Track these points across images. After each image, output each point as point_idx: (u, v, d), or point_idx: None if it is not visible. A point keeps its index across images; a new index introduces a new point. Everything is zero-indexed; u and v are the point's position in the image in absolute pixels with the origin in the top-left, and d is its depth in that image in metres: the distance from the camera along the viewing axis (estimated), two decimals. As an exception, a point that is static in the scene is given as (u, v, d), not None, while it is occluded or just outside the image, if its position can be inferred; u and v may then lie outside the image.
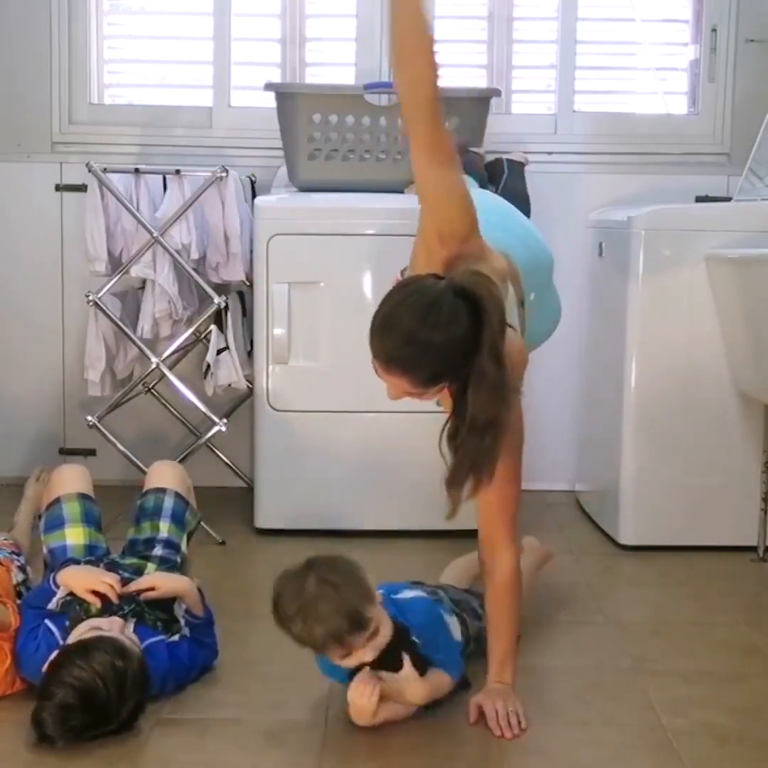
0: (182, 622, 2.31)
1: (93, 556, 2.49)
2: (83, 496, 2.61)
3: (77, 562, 2.44)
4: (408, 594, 2.29)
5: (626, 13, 3.90)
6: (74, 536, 2.53)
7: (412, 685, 2.09)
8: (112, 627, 2.15)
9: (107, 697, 1.98)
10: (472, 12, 3.89)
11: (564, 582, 2.90)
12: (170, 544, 2.58)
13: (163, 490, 2.68)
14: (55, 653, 2.09)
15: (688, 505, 3.20)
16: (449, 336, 1.93)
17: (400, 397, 2.05)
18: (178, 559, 2.56)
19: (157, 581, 2.34)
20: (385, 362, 1.97)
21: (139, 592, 2.29)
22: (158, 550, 2.54)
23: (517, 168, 3.37)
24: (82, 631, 2.15)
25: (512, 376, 2.03)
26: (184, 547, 2.62)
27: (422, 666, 2.10)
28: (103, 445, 3.54)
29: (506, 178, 3.24)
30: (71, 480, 2.66)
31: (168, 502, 2.66)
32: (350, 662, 2.07)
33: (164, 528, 2.60)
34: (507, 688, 2.17)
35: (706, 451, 3.18)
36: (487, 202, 2.43)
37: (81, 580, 2.29)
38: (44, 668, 2.06)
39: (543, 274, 2.51)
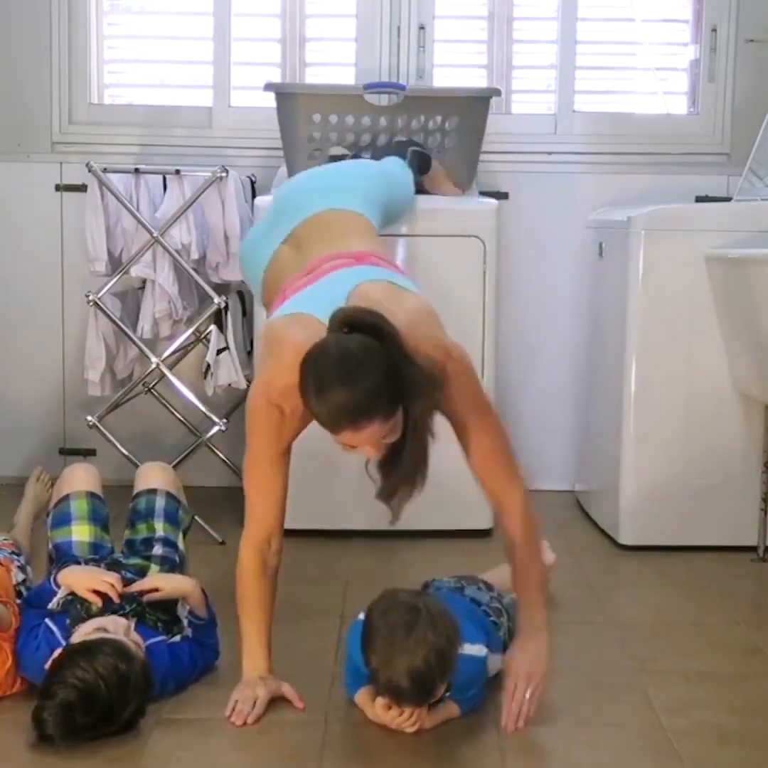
0: (185, 622, 2.32)
1: (97, 554, 2.50)
2: (92, 495, 2.63)
3: (78, 561, 2.44)
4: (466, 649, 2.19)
5: (626, 13, 3.90)
6: (80, 533, 2.54)
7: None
8: (117, 629, 2.15)
9: (109, 699, 1.98)
10: (472, 12, 3.89)
11: (564, 582, 2.89)
12: (168, 543, 2.58)
13: (154, 491, 2.69)
14: (58, 652, 2.09)
15: (688, 505, 3.20)
16: (377, 365, 1.96)
17: (379, 450, 2.03)
18: (177, 558, 2.58)
19: (160, 582, 2.34)
20: (350, 421, 1.95)
21: (142, 592, 2.29)
22: (158, 549, 2.55)
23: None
24: (87, 631, 2.15)
25: (428, 332, 2.08)
26: (181, 545, 2.63)
27: (436, 703, 2.10)
28: (103, 445, 3.55)
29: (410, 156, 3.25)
30: (82, 478, 2.68)
31: (160, 502, 2.66)
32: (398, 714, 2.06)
33: (160, 527, 2.61)
34: (540, 641, 2.16)
35: (706, 451, 3.18)
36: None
37: (82, 580, 2.29)
38: (47, 667, 2.06)
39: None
